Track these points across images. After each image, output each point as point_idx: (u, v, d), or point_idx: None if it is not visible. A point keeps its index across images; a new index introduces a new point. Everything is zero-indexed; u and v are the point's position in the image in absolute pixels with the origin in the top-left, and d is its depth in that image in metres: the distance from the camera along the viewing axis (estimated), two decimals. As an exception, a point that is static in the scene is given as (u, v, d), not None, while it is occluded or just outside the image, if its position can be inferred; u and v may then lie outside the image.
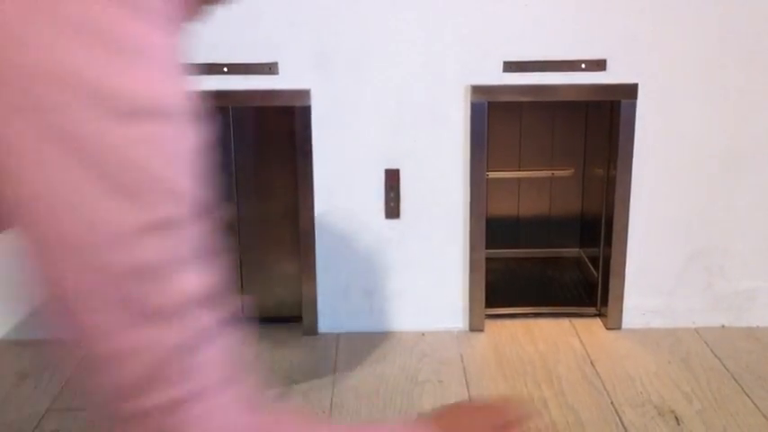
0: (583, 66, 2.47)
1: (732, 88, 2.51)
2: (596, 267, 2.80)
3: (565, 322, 2.75)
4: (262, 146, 2.67)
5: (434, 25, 2.46)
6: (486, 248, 2.67)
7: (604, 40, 2.47)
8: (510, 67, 2.48)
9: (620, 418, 2.20)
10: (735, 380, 2.37)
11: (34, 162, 0.56)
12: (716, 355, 2.51)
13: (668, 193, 2.60)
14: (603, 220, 2.70)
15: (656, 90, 2.50)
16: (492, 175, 2.98)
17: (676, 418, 2.20)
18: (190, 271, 0.62)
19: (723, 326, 2.69)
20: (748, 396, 2.29)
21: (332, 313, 2.70)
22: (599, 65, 2.47)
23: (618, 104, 2.52)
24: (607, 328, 2.70)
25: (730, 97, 2.52)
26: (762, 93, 2.52)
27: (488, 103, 2.51)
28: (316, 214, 2.60)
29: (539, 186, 3.19)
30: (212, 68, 2.44)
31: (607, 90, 2.50)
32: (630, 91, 2.49)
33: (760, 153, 2.57)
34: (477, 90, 2.49)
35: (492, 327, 2.71)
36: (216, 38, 2.41)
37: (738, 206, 2.61)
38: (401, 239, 2.64)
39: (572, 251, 3.21)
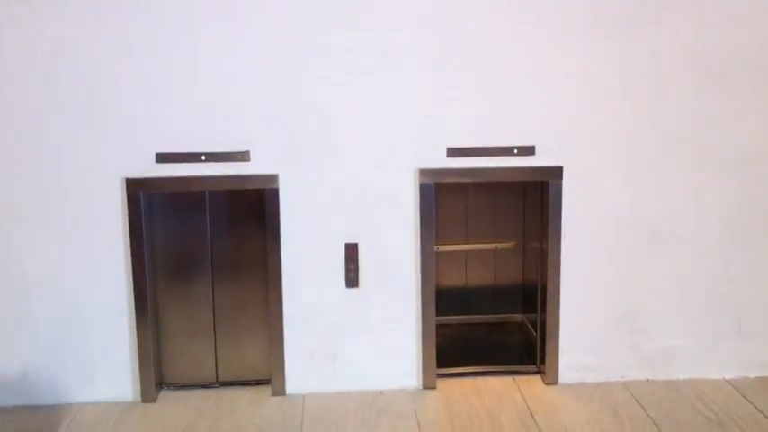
0: (515, 151, 2.83)
1: (648, 168, 2.87)
2: (536, 330, 3.10)
3: (508, 379, 3.04)
4: (234, 225, 2.95)
5: (387, 118, 2.79)
6: (438, 315, 2.96)
7: (533, 130, 2.82)
8: (453, 152, 2.82)
9: (555, 460, 2.48)
10: (656, 425, 2.68)
11: None
12: (640, 405, 2.82)
13: (594, 263, 2.93)
14: (539, 288, 3.02)
15: (579, 171, 2.85)
16: (441, 248, 3.31)
17: (603, 459, 2.49)
18: None
19: (648, 379, 3.00)
20: (666, 438, 2.59)
21: (298, 375, 2.94)
22: (529, 150, 2.83)
23: (547, 184, 2.88)
24: (546, 384, 2.99)
25: (647, 176, 2.88)
26: (674, 172, 2.88)
27: (435, 184, 2.84)
28: (283, 285, 2.87)
29: (484, 258, 3.51)
30: (191, 157, 2.74)
31: (536, 172, 2.85)
32: (556, 173, 2.85)
33: (673, 225, 2.92)
34: (424, 173, 2.83)
35: (443, 385, 2.99)
36: (195, 130, 2.73)
37: (656, 273, 2.95)
38: (360, 307, 2.92)
39: (515, 316, 3.52)
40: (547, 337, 2.97)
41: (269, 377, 2.96)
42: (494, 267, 3.53)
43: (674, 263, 2.96)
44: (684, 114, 2.85)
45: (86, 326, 2.85)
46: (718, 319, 3.01)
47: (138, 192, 2.76)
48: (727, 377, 3.02)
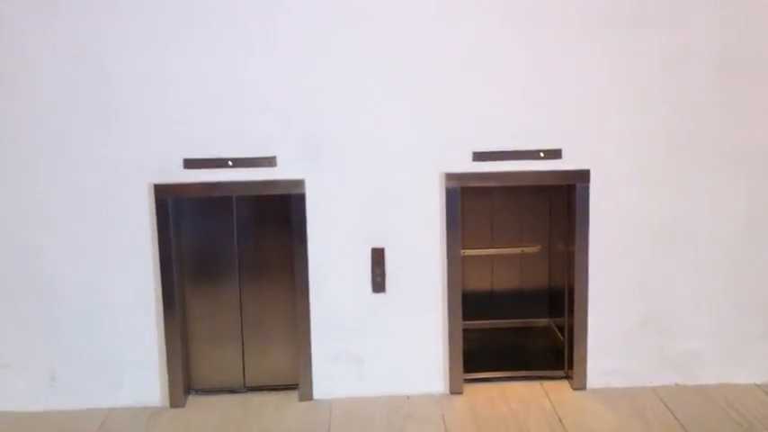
0: (541, 155, 2.82)
1: (674, 170, 2.86)
2: (563, 334, 3.09)
3: (536, 385, 3.02)
4: (261, 230, 2.97)
5: (412, 123, 2.80)
6: (464, 320, 2.96)
7: (559, 133, 2.82)
8: (479, 156, 2.82)
9: (584, 465, 2.47)
10: (684, 430, 2.65)
11: None
12: (669, 409, 2.80)
13: (621, 266, 2.91)
14: (567, 292, 3.01)
15: (606, 174, 2.84)
16: (467, 252, 3.29)
17: (633, 464, 2.47)
18: None
19: (676, 384, 2.98)
20: (697, 443, 2.58)
21: (325, 381, 2.95)
22: (555, 154, 2.82)
23: (573, 188, 2.86)
24: (573, 389, 2.97)
25: (673, 178, 2.87)
26: (699, 173, 2.87)
27: (461, 188, 2.84)
28: (310, 290, 2.88)
29: (510, 262, 3.50)
30: (219, 163, 2.76)
31: (563, 175, 2.85)
32: (583, 176, 2.84)
33: (696, 227, 2.90)
34: (450, 177, 2.83)
35: (470, 390, 2.98)
36: (222, 136, 2.75)
37: (681, 275, 2.93)
38: (387, 312, 2.92)
39: (541, 321, 3.51)
40: (574, 342, 2.96)
41: (296, 382, 2.97)
42: (520, 271, 3.52)
43: (700, 264, 2.94)
44: (708, 115, 2.83)
45: (115, 331, 2.87)
46: (746, 322, 2.98)
47: (167, 197, 2.78)
48: (758, 381, 2.99)
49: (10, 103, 2.71)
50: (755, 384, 2.97)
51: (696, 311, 2.96)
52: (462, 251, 2.95)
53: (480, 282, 3.52)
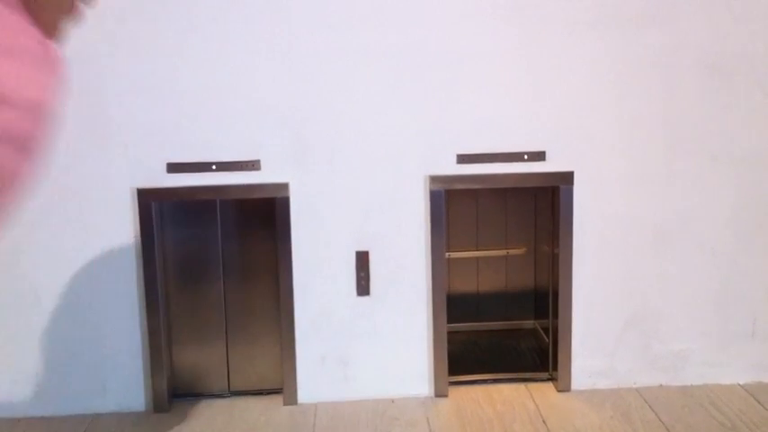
0: (525, 157, 2.83)
1: (658, 171, 2.87)
2: (548, 336, 3.10)
3: (521, 386, 3.03)
4: (245, 234, 2.96)
5: (397, 125, 2.80)
6: (449, 322, 2.96)
7: (543, 135, 2.83)
8: (463, 159, 2.83)
9: (569, 467, 2.48)
10: (668, 431, 2.66)
11: None
12: (653, 410, 2.80)
13: (606, 267, 2.92)
14: (551, 293, 3.02)
15: (590, 176, 2.85)
16: (452, 254, 3.31)
17: (617, 465, 2.48)
18: None
19: (661, 385, 2.99)
20: (681, 444, 2.58)
21: (310, 384, 2.95)
22: (539, 156, 2.83)
23: (557, 189, 2.87)
24: (558, 391, 2.98)
25: (657, 179, 2.88)
26: (684, 174, 2.88)
27: (445, 190, 2.85)
28: (294, 293, 2.88)
29: (495, 264, 3.51)
30: (202, 167, 2.76)
31: (547, 177, 2.85)
32: (567, 177, 2.84)
33: (682, 228, 2.91)
34: (435, 179, 2.83)
35: (455, 392, 2.98)
36: (206, 140, 2.75)
37: (667, 276, 2.94)
38: (372, 315, 2.92)
39: (527, 322, 3.51)
40: (559, 344, 2.97)
41: (281, 386, 2.96)
42: (505, 273, 3.52)
43: (685, 266, 2.95)
44: (694, 116, 2.84)
45: (98, 336, 2.86)
46: (731, 322, 2.99)
47: (150, 201, 2.77)
48: (741, 382, 3.00)
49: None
50: (739, 385, 2.99)
51: (681, 312, 2.97)
52: (447, 253, 2.96)
53: (466, 284, 3.52)
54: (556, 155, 2.84)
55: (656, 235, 2.92)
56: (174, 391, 3.00)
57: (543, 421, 2.75)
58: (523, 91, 2.80)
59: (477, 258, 3.50)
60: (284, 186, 2.80)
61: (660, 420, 2.73)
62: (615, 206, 2.88)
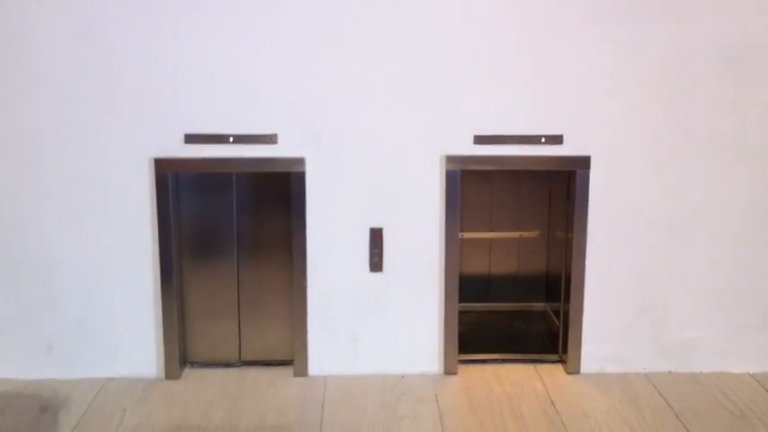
0: (542, 140, 2.82)
1: (674, 159, 2.86)
2: (559, 319, 3.10)
3: (530, 368, 3.04)
4: (260, 207, 2.97)
5: (414, 105, 2.80)
6: (460, 302, 2.97)
7: (561, 119, 2.82)
8: (480, 140, 2.82)
9: (574, 448, 2.50)
10: (677, 417, 2.67)
11: None
12: (662, 396, 2.81)
13: (619, 253, 2.92)
14: (563, 277, 3.02)
15: (606, 161, 2.84)
16: (465, 235, 3.31)
17: (623, 448, 2.50)
18: None
19: (670, 371, 3.00)
20: (688, 430, 2.58)
21: (321, 358, 2.97)
22: (556, 139, 2.82)
23: (573, 174, 2.87)
24: (567, 373, 2.99)
25: (672, 167, 2.87)
26: (699, 163, 2.87)
27: (461, 171, 2.85)
28: (308, 268, 2.89)
29: (508, 246, 3.51)
30: (219, 138, 2.77)
31: (563, 161, 2.85)
32: (584, 162, 2.84)
33: (695, 217, 2.90)
34: (450, 160, 2.83)
35: (464, 371, 3.00)
36: (224, 112, 2.75)
37: (678, 265, 2.94)
38: (384, 291, 2.94)
39: (538, 305, 3.52)
40: (569, 327, 2.97)
41: (291, 358, 2.98)
42: (517, 256, 3.53)
43: (698, 254, 2.94)
44: (710, 104, 2.83)
45: (112, 302, 2.89)
46: (741, 312, 2.99)
47: (167, 172, 2.79)
48: (751, 371, 3.00)
49: (12, 81, 2.71)
50: (749, 374, 2.99)
51: (692, 301, 2.97)
52: (461, 234, 2.96)
53: (478, 265, 3.53)
54: (573, 139, 2.83)
55: (670, 224, 2.91)
56: (186, 359, 3.03)
57: (552, 403, 2.77)
58: (542, 74, 2.78)
59: (491, 240, 3.50)
60: (300, 161, 2.81)
61: (669, 406, 2.74)
62: (631, 193, 2.88)
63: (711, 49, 2.78)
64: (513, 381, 2.93)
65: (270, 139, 2.79)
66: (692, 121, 2.84)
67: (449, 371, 2.98)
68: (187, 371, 3.00)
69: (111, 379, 2.92)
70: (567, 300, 2.98)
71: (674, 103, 2.83)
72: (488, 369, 3.02)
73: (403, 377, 2.95)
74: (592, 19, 2.75)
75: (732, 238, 2.93)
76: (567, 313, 2.99)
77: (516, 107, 2.81)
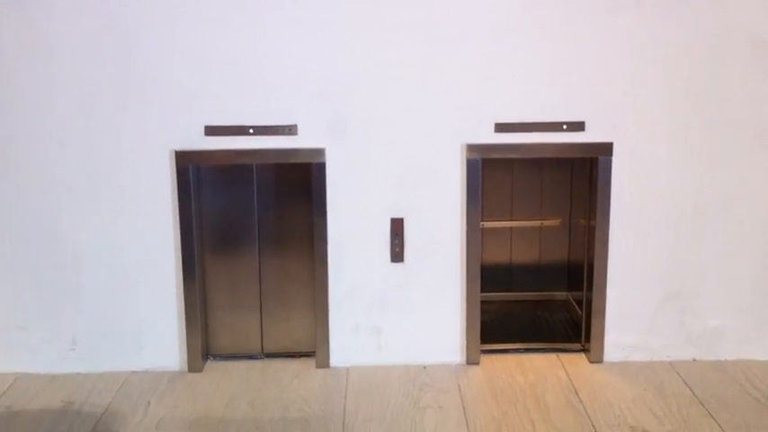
0: (564, 127, 2.80)
1: (698, 146, 2.83)
2: (581, 308, 3.08)
3: (552, 357, 3.03)
4: (281, 199, 2.97)
5: (434, 92, 2.78)
6: (482, 292, 2.95)
7: (583, 105, 2.79)
8: (501, 128, 2.80)
9: (600, 438, 2.49)
10: (702, 405, 2.65)
11: None
12: (687, 385, 2.79)
13: (642, 241, 2.89)
14: (586, 266, 3.00)
15: (629, 148, 2.82)
16: (486, 224, 3.29)
17: (649, 438, 2.48)
18: None
19: (694, 359, 2.97)
20: (714, 419, 2.56)
21: (343, 349, 2.97)
22: (578, 126, 2.80)
23: (596, 161, 2.84)
24: (590, 362, 2.97)
25: (696, 154, 2.83)
26: (723, 151, 2.83)
27: (482, 159, 2.83)
28: (329, 259, 2.89)
29: (529, 235, 3.49)
30: (240, 130, 2.76)
31: (586, 148, 2.82)
32: (606, 149, 2.81)
33: (722, 205, 2.87)
34: (471, 148, 2.81)
35: (487, 361, 2.99)
36: (244, 104, 2.75)
37: (704, 252, 2.91)
38: (405, 282, 2.93)
39: (560, 294, 3.50)
40: (593, 315, 2.95)
41: (314, 349, 2.98)
42: (539, 244, 3.51)
43: (722, 241, 2.91)
44: (734, 91, 2.79)
45: (135, 296, 2.90)
46: (767, 300, 2.95)
47: (187, 164, 2.79)
48: (777, 359, 2.98)
49: (33, 72, 2.72)
50: (775, 361, 2.97)
51: (719, 288, 2.94)
52: (482, 223, 2.94)
53: (499, 254, 3.51)
54: (595, 126, 2.80)
55: (695, 211, 2.88)
56: (209, 351, 3.03)
57: (576, 392, 2.75)
58: (564, 61, 2.76)
59: (512, 229, 3.48)
60: (321, 152, 2.80)
61: (694, 395, 2.72)
62: (654, 180, 2.85)
63: (741, 37, 2.74)
64: (535, 370, 2.92)
65: (290, 130, 2.78)
66: (717, 107, 2.80)
67: (471, 361, 2.97)
68: (210, 363, 3.01)
69: (134, 372, 2.93)
70: (590, 288, 2.96)
71: (700, 90, 2.79)
72: (511, 359, 3.01)
73: (425, 368, 2.95)
74: (615, 4, 2.72)
75: (757, 225, 2.89)
76: (589, 302, 2.97)
77: (538, 94, 2.79)
